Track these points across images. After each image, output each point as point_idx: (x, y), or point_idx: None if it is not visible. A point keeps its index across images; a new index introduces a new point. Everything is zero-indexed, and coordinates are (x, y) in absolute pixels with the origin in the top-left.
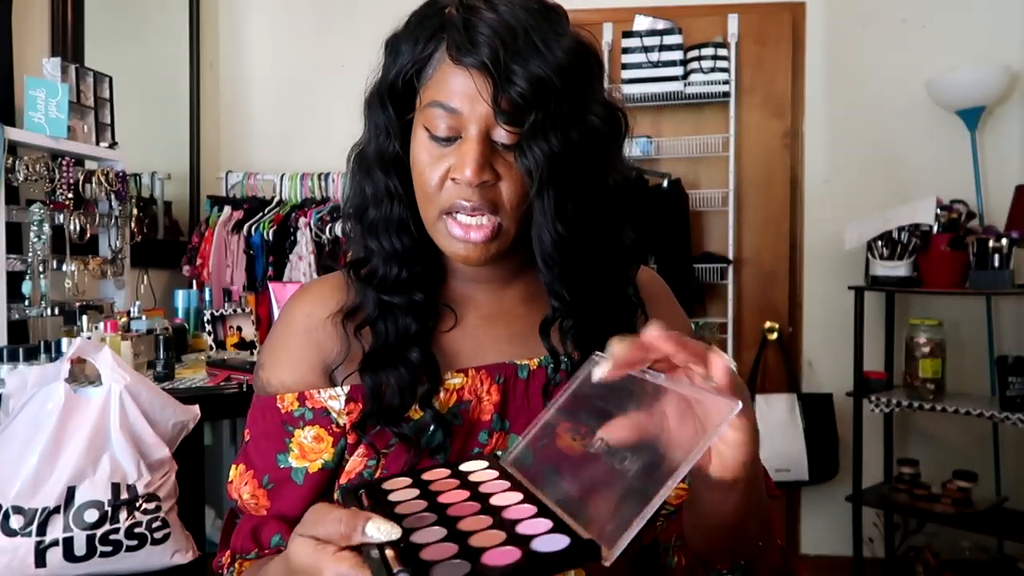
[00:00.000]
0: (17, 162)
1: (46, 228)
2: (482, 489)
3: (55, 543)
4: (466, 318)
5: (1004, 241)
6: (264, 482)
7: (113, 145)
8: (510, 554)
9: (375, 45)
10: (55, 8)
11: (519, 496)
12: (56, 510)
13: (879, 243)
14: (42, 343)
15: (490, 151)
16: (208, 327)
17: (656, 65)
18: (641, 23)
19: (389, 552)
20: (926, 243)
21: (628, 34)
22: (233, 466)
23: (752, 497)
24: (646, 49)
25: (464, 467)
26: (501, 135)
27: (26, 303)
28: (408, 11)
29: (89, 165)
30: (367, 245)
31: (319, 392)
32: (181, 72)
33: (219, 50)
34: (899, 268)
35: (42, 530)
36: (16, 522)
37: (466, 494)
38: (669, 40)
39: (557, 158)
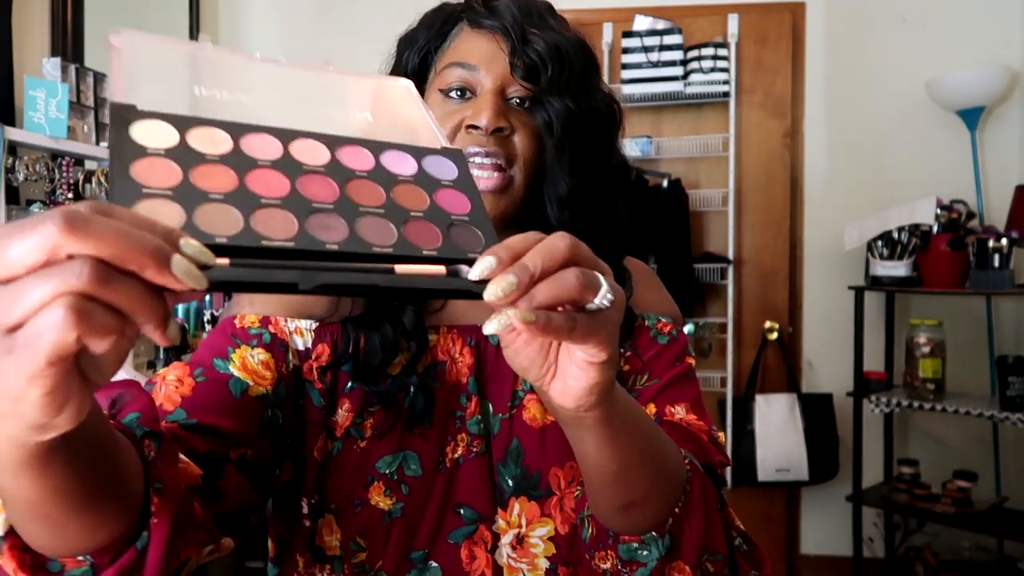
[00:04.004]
0: (17, 162)
1: None
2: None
3: None
4: None
5: (1004, 241)
6: (195, 373)
7: None
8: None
9: (375, 43)
10: (55, 8)
11: (320, 146)
12: None
13: (879, 243)
14: None
15: (505, 107)
16: (208, 327)
17: (656, 65)
18: (641, 23)
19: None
20: (926, 243)
21: (628, 34)
22: None
23: (622, 444)
24: (646, 49)
25: (195, 145)
26: (516, 91)
27: None
28: (408, 9)
29: (89, 165)
30: None
31: (286, 321)
32: None
33: None
34: (899, 268)
35: None
36: None
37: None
38: (669, 40)
39: (573, 117)
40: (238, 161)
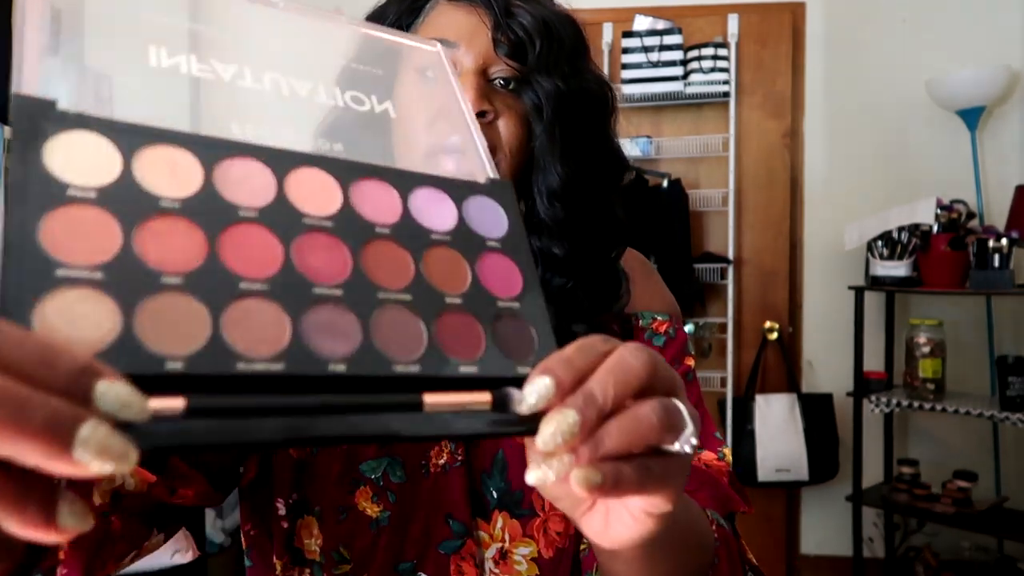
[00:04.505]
0: None
1: None
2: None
3: None
4: None
5: (1004, 241)
6: None
7: None
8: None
9: None
10: None
11: (329, 181)
12: None
13: (879, 243)
14: None
15: (487, 88)
16: None
17: (656, 65)
18: (641, 23)
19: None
20: (926, 243)
21: (628, 34)
22: None
23: (659, 566)
24: (646, 49)
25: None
26: (500, 70)
27: None
28: None
29: None
30: None
31: None
32: None
33: None
34: (899, 268)
35: None
36: None
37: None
38: (669, 40)
39: (564, 98)
40: (210, 209)
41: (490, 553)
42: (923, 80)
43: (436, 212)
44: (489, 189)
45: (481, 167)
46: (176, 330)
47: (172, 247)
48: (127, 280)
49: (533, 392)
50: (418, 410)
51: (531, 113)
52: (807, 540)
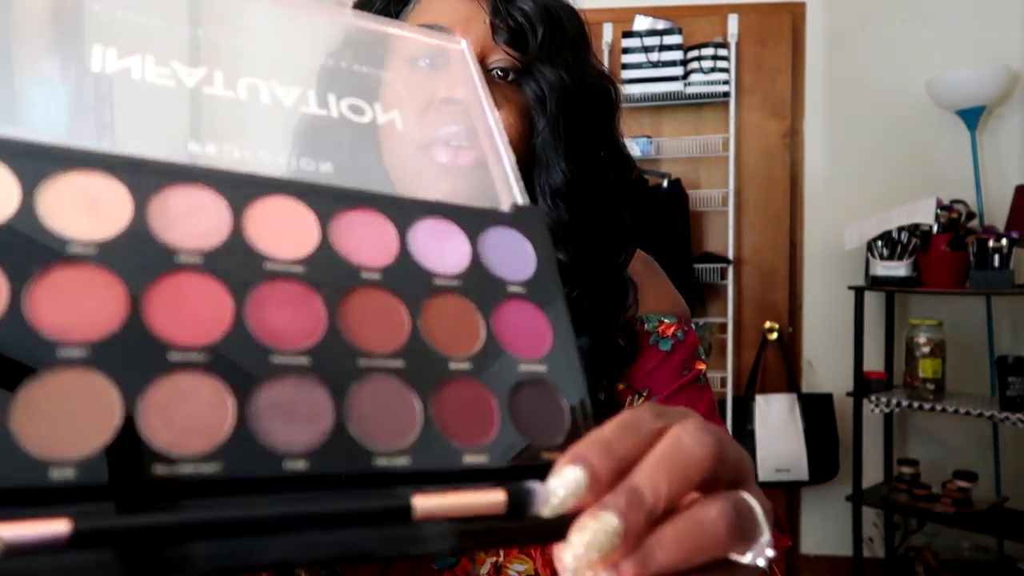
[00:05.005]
0: None
1: None
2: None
3: None
4: None
5: (1004, 241)
6: None
7: None
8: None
9: None
10: None
11: (305, 212)
12: None
13: (879, 243)
14: None
15: (485, 78)
16: None
17: (656, 65)
18: (641, 23)
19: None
20: (926, 243)
21: (628, 34)
22: None
23: None
24: (646, 49)
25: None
26: (499, 60)
27: None
28: None
29: None
30: None
31: None
32: None
33: None
34: (899, 268)
35: None
36: None
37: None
38: (669, 40)
39: (569, 91)
40: (137, 255)
41: (484, 569)
42: (923, 80)
43: (443, 249)
44: (513, 218)
45: (507, 187)
46: (71, 422)
47: (78, 307)
48: (6, 355)
49: (560, 487)
50: (405, 520)
51: (533, 106)
52: (807, 540)
